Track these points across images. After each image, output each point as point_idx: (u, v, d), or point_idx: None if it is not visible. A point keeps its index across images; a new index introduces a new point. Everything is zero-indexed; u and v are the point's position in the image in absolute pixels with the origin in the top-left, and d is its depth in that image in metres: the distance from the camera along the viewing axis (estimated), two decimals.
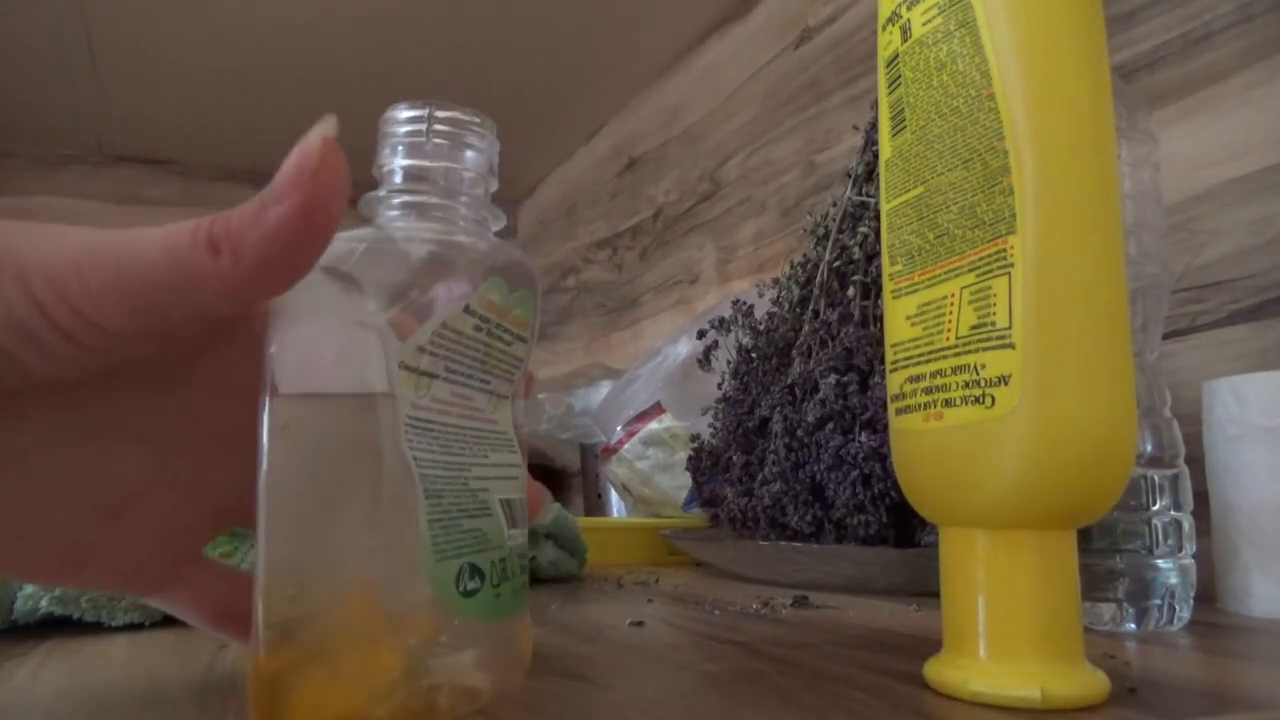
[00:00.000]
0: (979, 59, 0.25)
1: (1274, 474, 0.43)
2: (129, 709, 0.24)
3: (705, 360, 0.66)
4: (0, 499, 0.22)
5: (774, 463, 0.56)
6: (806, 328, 0.59)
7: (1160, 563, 0.38)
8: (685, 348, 0.84)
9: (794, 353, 0.58)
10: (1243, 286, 0.53)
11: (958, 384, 0.25)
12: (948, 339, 0.26)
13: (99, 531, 0.23)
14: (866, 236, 0.59)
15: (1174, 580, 0.38)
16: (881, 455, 0.50)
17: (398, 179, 0.25)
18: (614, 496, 1.00)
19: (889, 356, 0.29)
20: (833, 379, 0.52)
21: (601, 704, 0.23)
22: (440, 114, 0.25)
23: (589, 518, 0.87)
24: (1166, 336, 0.55)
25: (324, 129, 0.20)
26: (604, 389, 1.05)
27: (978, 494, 0.25)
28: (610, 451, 0.86)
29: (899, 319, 0.28)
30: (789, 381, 0.57)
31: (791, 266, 0.65)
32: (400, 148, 0.25)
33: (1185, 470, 0.40)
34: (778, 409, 0.56)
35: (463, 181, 0.25)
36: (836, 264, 0.60)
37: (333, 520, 0.20)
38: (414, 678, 0.20)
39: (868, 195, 0.61)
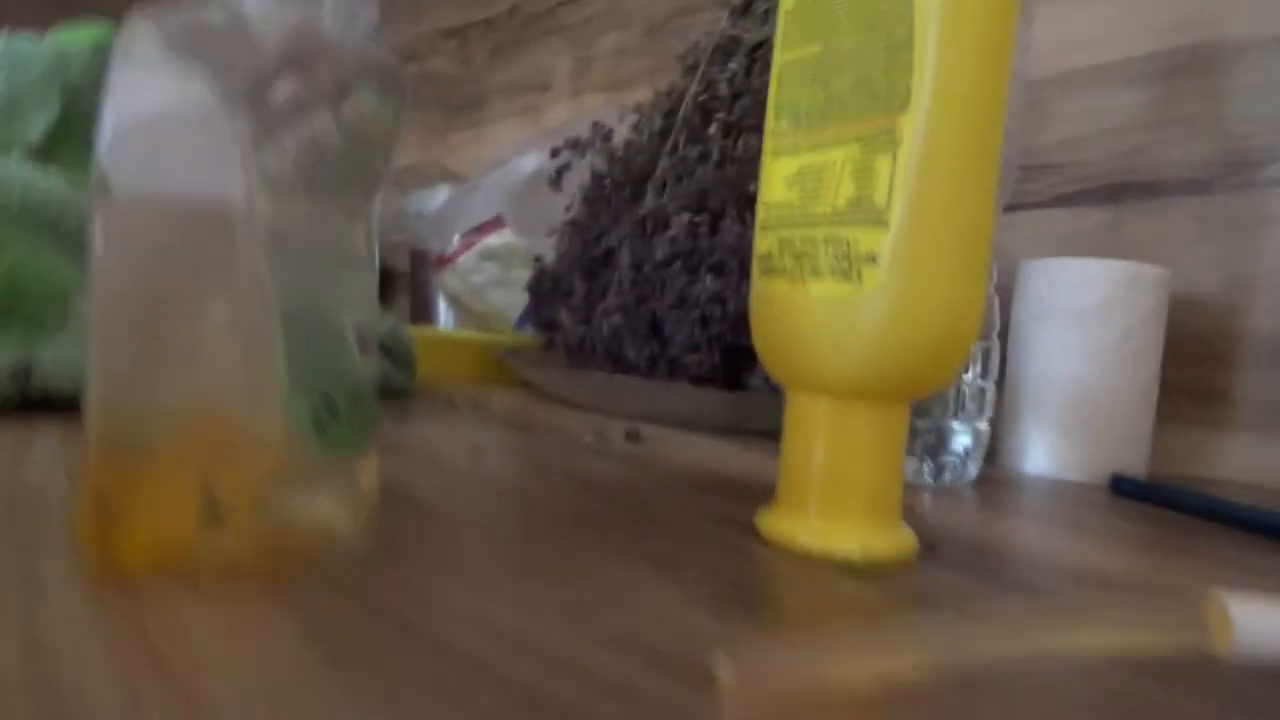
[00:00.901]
0: None
1: (1066, 352, 0.47)
2: None
3: (556, 180, 0.64)
4: None
5: (616, 294, 0.56)
6: (665, 161, 0.58)
7: (957, 424, 0.42)
8: (533, 162, 0.81)
9: (649, 185, 0.58)
10: (1070, 172, 0.56)
11: (827, 255, 0.25)
12: (824, 209, 0.26)
13: None
14: (735, 73, 0.58)
15: (968, 441, 0.42)
16: (722, 299, 0.51)
17: None
18: (442, 306, 0.98)
19: (760, 214, 0.29)
20: (685, 218, 0.52)
21: (447, 540, 0.24)
22: None
23: (419, 327, 0.85)
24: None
25: None
26: (442, 194, 1.00)
27: (831, 365, 0.25)
28: (445, 261, 0.84)
29: (776, 179, 0.28)
30: (641, 214, 0.56)
31: (656, 94, 0.63)
32: None
33: (997, 344, 0.43)
34: (626, 241, 0.56)
35: None
36: (702, 98, 0.59)
37: (178, 338, 0.19)
38: (260, 513, 0.19)
39: (743, 30, 0.59)
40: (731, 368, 0.54)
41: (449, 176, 1.40)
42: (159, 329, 0.19)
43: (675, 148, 0.58)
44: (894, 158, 0.24)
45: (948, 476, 0.41)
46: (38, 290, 0.40)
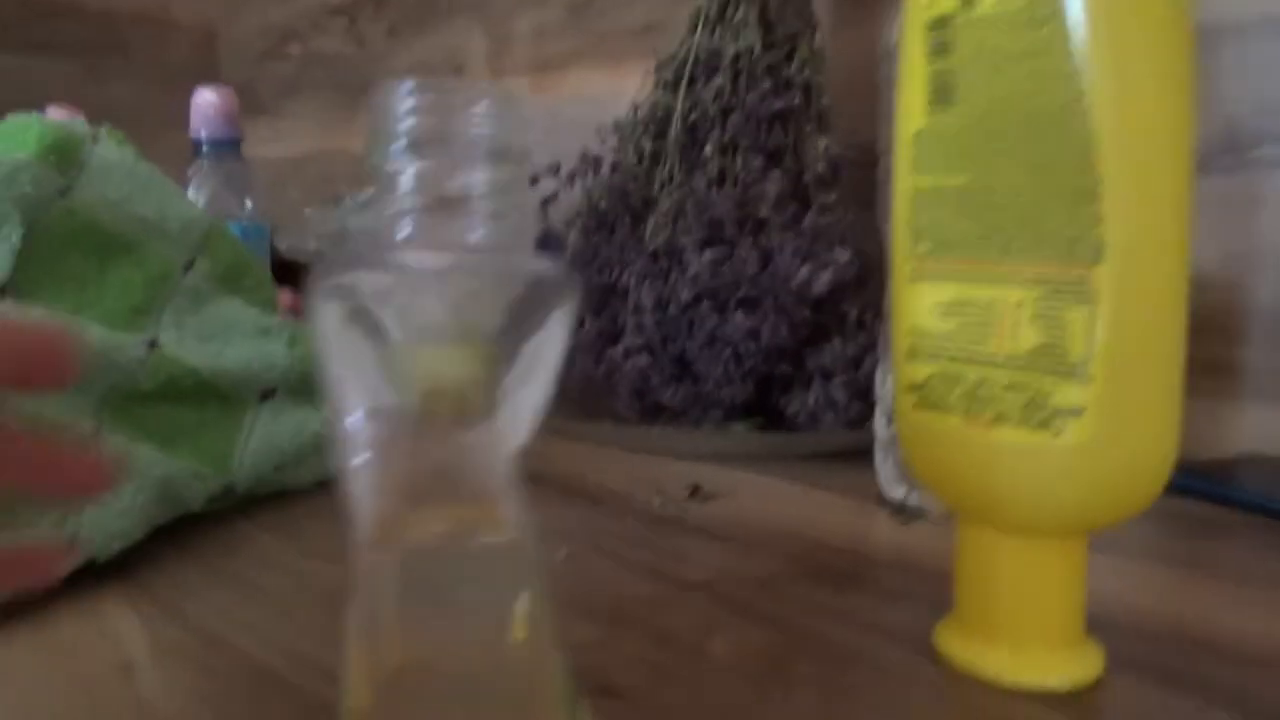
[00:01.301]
0: (1074, 64, 0.23)
1: None
2: None
3: (543, 213, 0.61)
4: None
5: (637, 333, 0.54)
6: (664, 188, 0.56)
7: None
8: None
9: (652, 216, 0.56)
10: None
11: (1014, 402, 0.25)
12: (998, 350, 0.25)
13: None
14: (723, 88, 0.56)
15: None
16: (756, 334, 0.51)
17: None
18: None
19: (905, 340, 0.28)
20: (707, 256, 0.51)
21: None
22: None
23: None
24: None
25: None
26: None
27: (1020, 507, 0.26)
28: None
29: (923, 304, 0.27)
30: (651, 249, 0.55)
31: (635, 110, 0.60)
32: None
33: None
34: (639, 277, 0.54)
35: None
36: (692, 117, 0.57)
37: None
38: None
39: (723, 41, 0.57)
40: (763, 393, 0.54)
41: (356, 165, 1.33)
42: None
43: (671, 174, 0.56)
44: (1091, 312, 0.24)
45: None
46: None
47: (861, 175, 0.57)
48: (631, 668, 0.28)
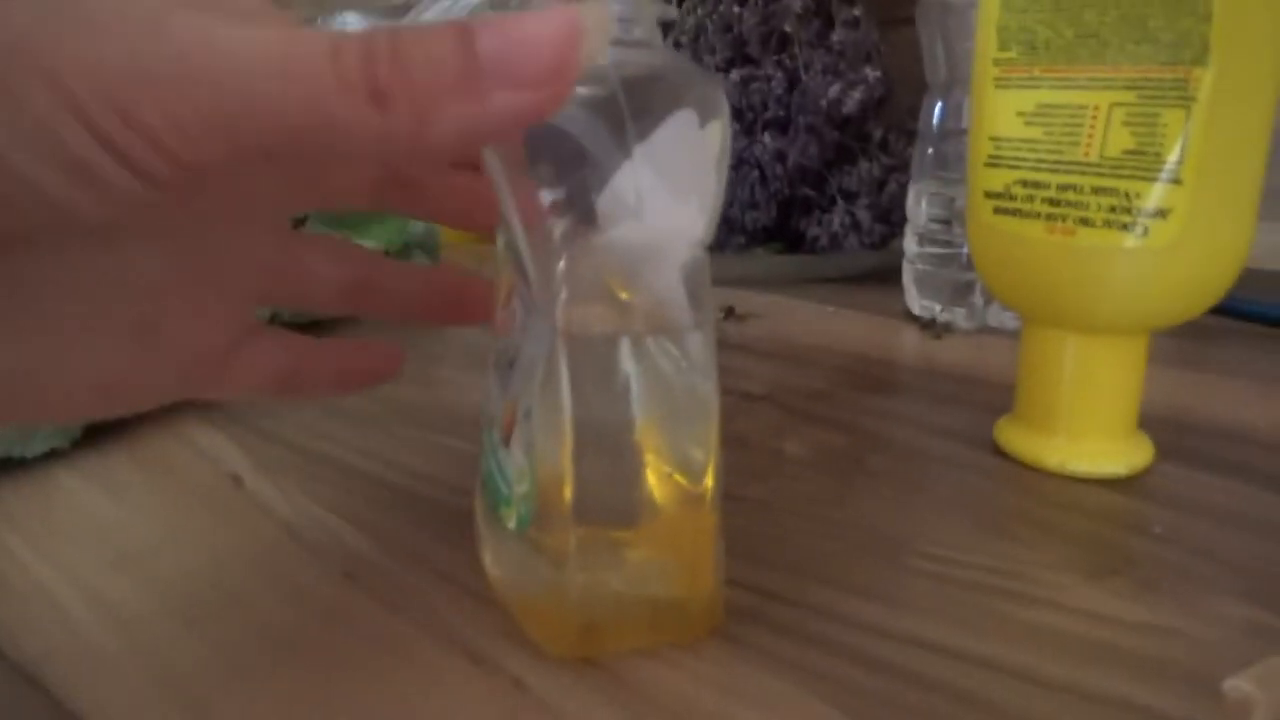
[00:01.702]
0: None
1: None
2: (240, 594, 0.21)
3: None
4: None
5: None
6: (684, 4, 0.54)
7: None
8: None
9: (671, 36, 0.54)
10: None
11: (1099, 205, 0.26)
12: (1086, 154, 0.26)
13: (133, 357, 0.19)
14: None
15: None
16: (783, 156, 0.51)
17: None
18: None
19: (985, 148, 0.28)
20: (735, 75, 0.50)
21: (775, 530, 0.25)
22: None
23: None
24: None
25: (600, 13, 0.15)
26: (352, 23, 0.90)
27: (1099, 309, 0.27)
28: None
29: (1006, 111, 0.28)
30: None
31: None
32: None
33: None
34: None
35: None
36: None
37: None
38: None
39: None
40: (784, 217, 0.54)
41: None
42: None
43: None
44: (1188, 113, 0.24)
45: (979, 319, 0.44)
46: None
47: None
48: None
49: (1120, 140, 0.25)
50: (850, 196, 0.51)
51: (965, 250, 0.43)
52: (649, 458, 0.18)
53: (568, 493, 0.17)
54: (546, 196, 0.17)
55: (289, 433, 0.31)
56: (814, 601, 0.21)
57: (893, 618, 0.21)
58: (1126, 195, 0.25)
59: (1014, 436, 0.30)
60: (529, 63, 0.15)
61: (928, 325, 0.44)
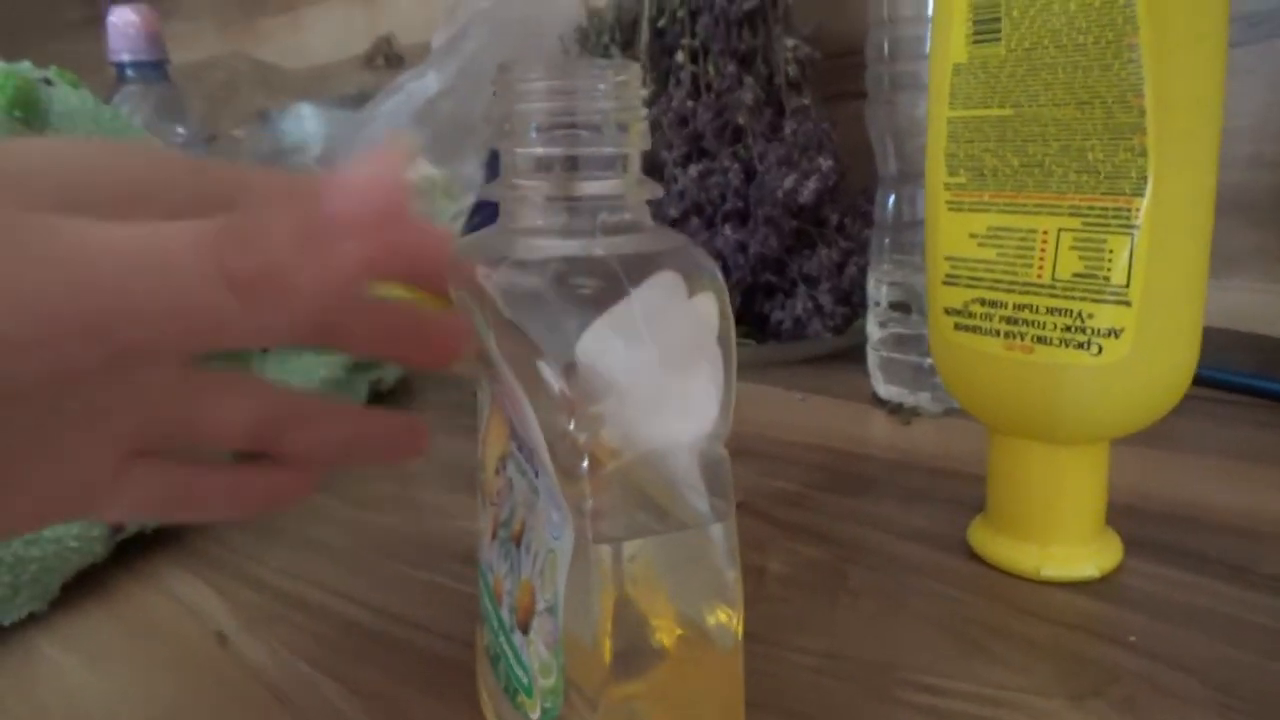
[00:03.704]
0: (1123, 2, 0.24)
1: None
2: None
3: None
4: None
5: None
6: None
7: None
8: (434, 83, 0.74)
9: None
10: None
11: (1055, 324, 0.27)
12: (1039, 275, 0.27)
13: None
14: None
15: None
16: (744, 246, 0.52)
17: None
18: None
19: (942, 267, 0.29)
20: (693, 170, 0.51)
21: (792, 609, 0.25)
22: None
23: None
24: None
25: (410, 152, 0.17)
26: (307, 115, 0.90)
27: (1058, 422, 0.28)
28: None
29: (960, 233, 0.29)
30: None
31: (597, 17, 0.59)
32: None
33: None
34: None
35: None
36: (659, 23, 0.56)
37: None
38: None
39: None
40: (747, 305, 0.55)
41: (263, 71, 1.25)
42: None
43: (644, 83, 0.55)
44: (1131, 239, 0.25)
45: (945, 401, 0.45)
46: None
47: (829, 66, 0.57)
48: None
49: (1070, 263, 0.26)
50: (811, 281, 0.53)
51: (927, 333, 0.44)
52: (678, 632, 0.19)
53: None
54: (557, 387, 0.17)
55: (271, 577, 0.31)
56: None
57: None
58: (1079, 315, 0.26)
59: (987, 541, 0.30)
60: (366, 208, 0.16)
61: (895, 410, 0.45)
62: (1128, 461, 0.37)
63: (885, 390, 0.47)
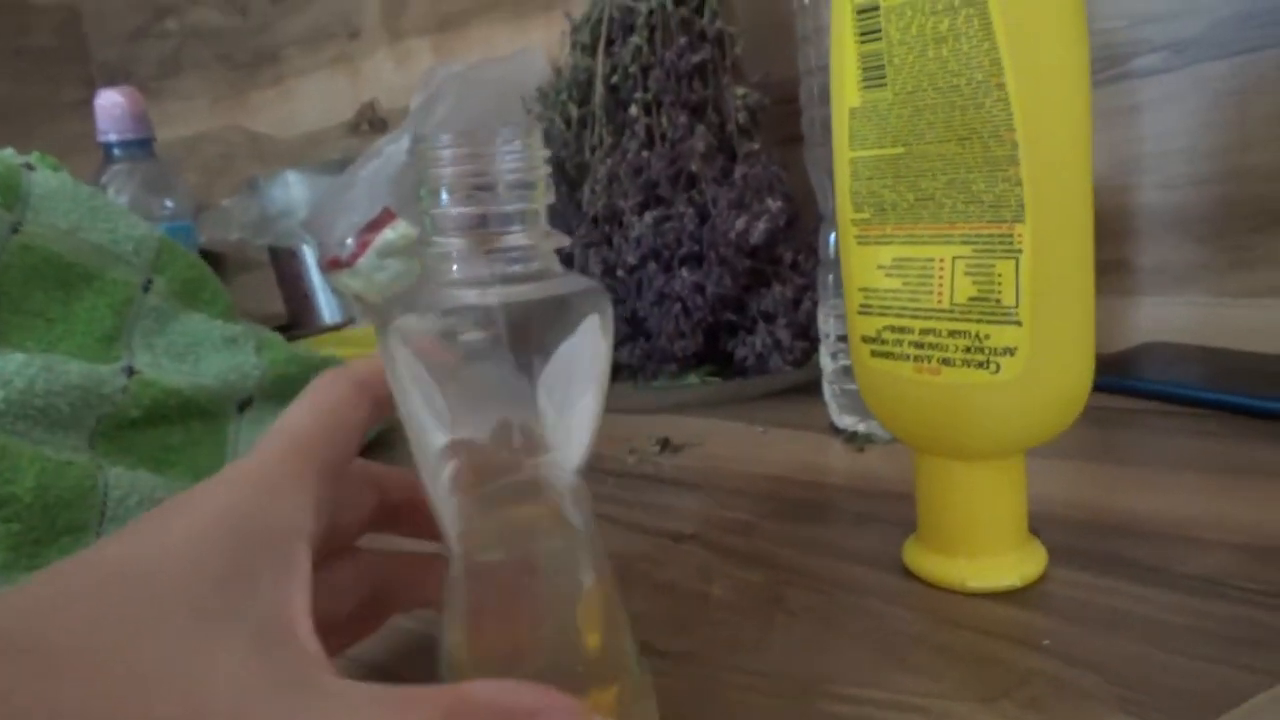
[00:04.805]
0: (988, 46, 0.26)
1: None
2: None
3: None
4: None
5: None
6: (595, 152, 0.58)
7: None
8: (410, 145, 0.77)
9: (588, 183, 0.58)
10: None
11: (956, 347, 0.28)
12: (939, 301, 0.29)
13: None
14: (640, 48, 0.58)
15: None
16: (701, 288, 0.54)
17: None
18: (323, 302, 0.94)
19: (857, 297, 0.31)
20: (648, 218, 0.53)
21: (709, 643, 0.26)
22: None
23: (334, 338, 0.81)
24: None
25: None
26: (293, 182, 0.94)
27: (967, 438, 0.29)
28: (341, 264, 0.80)
29: (869, 265, 0.31)
30: (591, 215, 0.56)
31: (558, 75, 0.61)
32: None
33: None
34: (590, 248, 0.56)
35: None
36: (613, 79, 0.58)
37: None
38: None
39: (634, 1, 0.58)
40: (710, 340, 0.57)
41: (255, 141, 1.29)
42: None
43: (601, 138, 0.58)
44: (1017, 264, 0.27)
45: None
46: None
47: (780, 110, 0.59)
48: (649, 622, 0.31)
49: (965, 288, 0.28)
50: (769, 318, 0.54)
51: None
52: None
53: None
54: (441, 439, 0.19)
55: None
56: None
57: None
58: (977, 336, 0.28)
59: (917, 557, 0.32)
60: None
61: (850, 439, 0.47)
62: (1061, 474, 0.39)
63: (841, 420, 0.48)
